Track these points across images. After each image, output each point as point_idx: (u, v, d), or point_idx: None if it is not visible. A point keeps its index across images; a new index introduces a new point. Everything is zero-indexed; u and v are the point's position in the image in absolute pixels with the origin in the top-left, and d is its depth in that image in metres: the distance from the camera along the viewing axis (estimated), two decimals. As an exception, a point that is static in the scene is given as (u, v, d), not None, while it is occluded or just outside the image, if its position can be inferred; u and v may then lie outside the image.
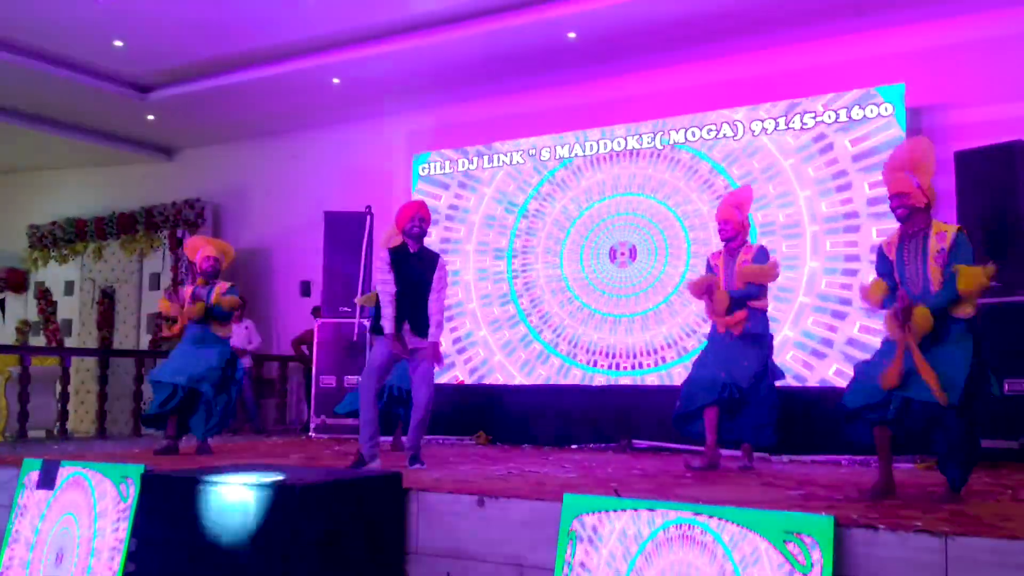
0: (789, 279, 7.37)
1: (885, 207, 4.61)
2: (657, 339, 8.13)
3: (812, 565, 2.95)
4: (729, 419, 5.68)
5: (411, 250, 5.63)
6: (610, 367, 8.30)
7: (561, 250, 8.75)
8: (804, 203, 7.62)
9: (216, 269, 6.67)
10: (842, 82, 7.62)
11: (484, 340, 8.96)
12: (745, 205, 5.93)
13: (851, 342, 7.23)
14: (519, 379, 8.65)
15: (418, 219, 5.62)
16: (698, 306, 7.47)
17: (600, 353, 8.38)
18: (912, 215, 4.20)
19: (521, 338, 8.76)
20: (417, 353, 5.59)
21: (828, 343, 7.37)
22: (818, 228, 7.54)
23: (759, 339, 5.65)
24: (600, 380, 8.29)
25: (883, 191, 4.75)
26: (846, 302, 7.29)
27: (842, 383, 7.05)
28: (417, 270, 5.61)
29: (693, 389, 5.62)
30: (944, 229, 4.15)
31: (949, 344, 3.99)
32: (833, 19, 7.84)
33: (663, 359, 8.06)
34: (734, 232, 5.74)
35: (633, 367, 8.19)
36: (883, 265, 4.36)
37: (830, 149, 7.54)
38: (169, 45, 9.19)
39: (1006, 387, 5.77)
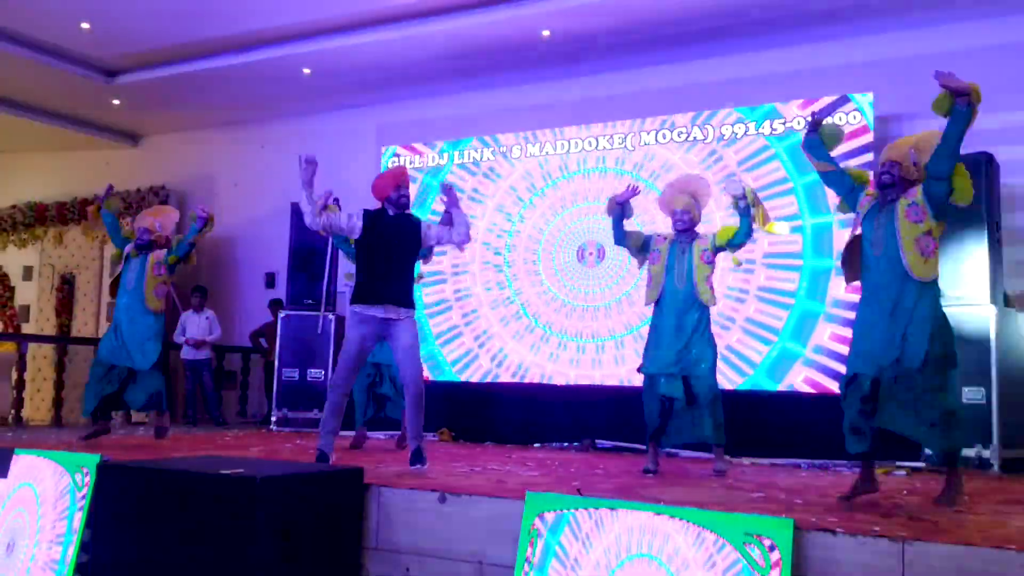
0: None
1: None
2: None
3: (771, 567, 2.96)
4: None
5: (390, 213, 5.14)
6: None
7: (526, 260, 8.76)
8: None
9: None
10: (812, 89, 7.67)
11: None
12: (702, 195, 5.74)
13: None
14: (483, 377, 8.64)
15: (404, 188, 5.14)
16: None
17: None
18: (895, 185, 4.24)
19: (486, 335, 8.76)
20: (398, 326, 5.02)
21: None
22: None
23: None
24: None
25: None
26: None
27: (806, 388, 7.13)
28: (396, 233, 5.09)
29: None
30: (914, 192, 4.19)
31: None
32: (805, 26, 7.89)
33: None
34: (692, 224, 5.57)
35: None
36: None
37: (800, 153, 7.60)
38: (138, 29, 9.01)
39: (965, 395, 5.85)
